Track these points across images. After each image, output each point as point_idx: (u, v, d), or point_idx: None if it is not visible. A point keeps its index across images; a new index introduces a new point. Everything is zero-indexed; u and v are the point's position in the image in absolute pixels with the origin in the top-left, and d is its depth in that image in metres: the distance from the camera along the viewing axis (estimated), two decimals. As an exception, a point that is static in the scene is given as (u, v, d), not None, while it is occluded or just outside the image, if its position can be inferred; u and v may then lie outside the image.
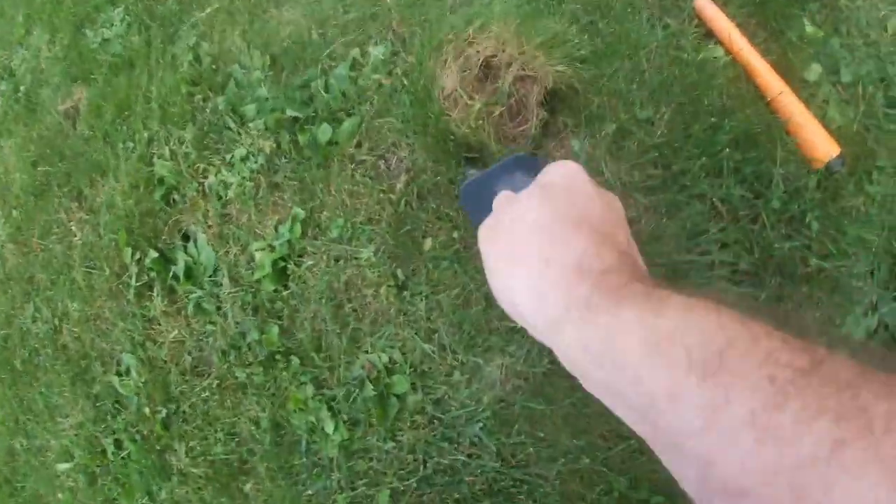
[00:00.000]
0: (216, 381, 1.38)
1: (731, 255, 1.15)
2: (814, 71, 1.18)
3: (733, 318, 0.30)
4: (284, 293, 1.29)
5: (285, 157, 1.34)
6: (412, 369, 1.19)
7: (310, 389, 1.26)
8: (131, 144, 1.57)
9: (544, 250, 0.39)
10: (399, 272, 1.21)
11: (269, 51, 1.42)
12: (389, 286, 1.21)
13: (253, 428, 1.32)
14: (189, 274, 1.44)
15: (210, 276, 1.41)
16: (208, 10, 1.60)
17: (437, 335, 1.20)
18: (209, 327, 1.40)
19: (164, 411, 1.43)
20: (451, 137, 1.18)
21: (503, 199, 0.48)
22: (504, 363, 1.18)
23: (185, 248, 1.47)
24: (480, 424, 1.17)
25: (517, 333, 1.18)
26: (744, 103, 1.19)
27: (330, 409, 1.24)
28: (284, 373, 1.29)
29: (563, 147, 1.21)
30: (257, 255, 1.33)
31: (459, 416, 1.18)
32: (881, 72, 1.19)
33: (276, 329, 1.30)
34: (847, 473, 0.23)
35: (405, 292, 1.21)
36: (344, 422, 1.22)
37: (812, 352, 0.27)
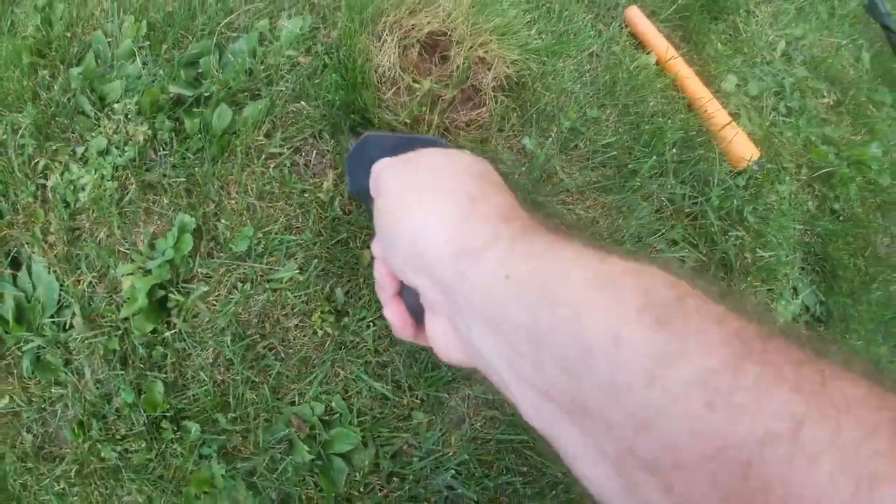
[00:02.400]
0: (74, 467, 0.63)
1: (679, 251, 0.80)
2: (730, 81, 0.87)
3: (685, 280, 0.17)
4: (167, 334, 0.60)
5: (164, 149, 0.64)
6: (361, 418, 0.61)
7: (217, 464, 0.61)
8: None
9: (471, 190, 0.24)
10: (338, 292, 0.60)
11: (145, 17, 0.70)
12: (325, 312, 0.59)
13: (131, 525, 0.65)
14: (20, 316, 0.70)
15: (52, 317, 0.70)
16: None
17: (388, 370, 0.66)
18: (56, 391, 0.69)
19: (-4, 510, 0.68)
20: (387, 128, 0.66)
21: (412, 151, 0.28)
22: (471, 394, 0.68)
23: (15, 278, 0.71)
24: (452, 472, 0.62)
25: (485, 357, 0.70)
26: (676, 109, 0.85)
27: (250, 486, 0.58)
28: (176, 445, 0.63)
29: (513, 145, 0.76)
30: (124, 283, 0.64)
31: (424, 466, 0.65)
32: (778, 85, 0.93)
33: (159, 385, 0.64)
34: (805, 457, 0.13)
35: (345, 318, 0.60)
36: (272, 502, 0.59)
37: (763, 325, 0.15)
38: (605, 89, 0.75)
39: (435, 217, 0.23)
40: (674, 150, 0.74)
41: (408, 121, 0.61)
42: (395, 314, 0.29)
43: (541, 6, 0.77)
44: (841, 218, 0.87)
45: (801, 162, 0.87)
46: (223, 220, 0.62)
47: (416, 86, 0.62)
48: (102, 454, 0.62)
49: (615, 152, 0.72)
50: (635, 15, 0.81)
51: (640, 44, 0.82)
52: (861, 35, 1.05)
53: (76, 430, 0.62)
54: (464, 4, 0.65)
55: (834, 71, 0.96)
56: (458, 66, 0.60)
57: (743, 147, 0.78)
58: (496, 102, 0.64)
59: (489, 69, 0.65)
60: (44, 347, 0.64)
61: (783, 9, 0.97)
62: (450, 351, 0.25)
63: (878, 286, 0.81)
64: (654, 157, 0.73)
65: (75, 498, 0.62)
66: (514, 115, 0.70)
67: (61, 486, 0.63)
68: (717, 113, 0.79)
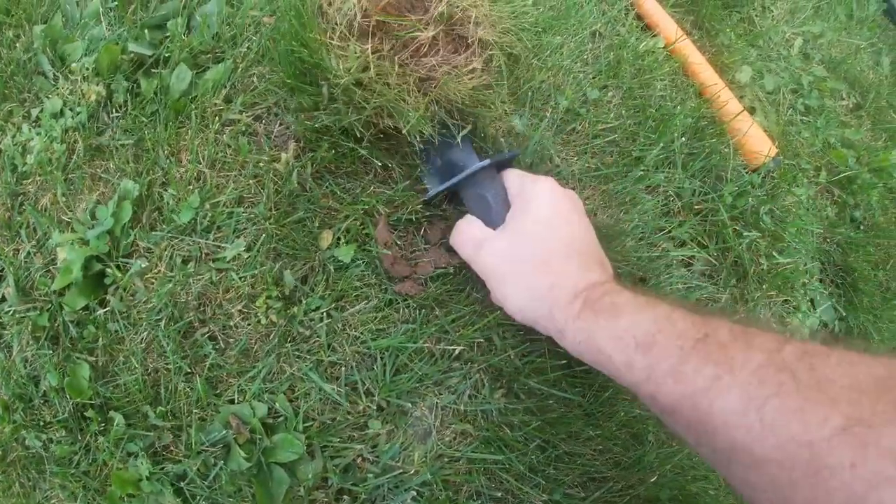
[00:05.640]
0: None
1: (688, 252, 0.65)
2: (745, 73, 0.71)
3: (663, 313, 0.30)
4: (100, 313, 0.47)
5: (117, 111, 0.52)
6: (307, 423, 0.46)
7: (144, 464, 0.45)
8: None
9: (548, 278, 0.36)
10: (287, 275, 0.46)
11: None
12: (271, 298, 0.46)
13: (47, 527, 0.51)
14: (-41, 284, 0.59)
15: None
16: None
17: (342, 370, 0.53)
18: None
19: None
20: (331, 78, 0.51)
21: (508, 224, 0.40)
22: (439, 403, 0.53)
23: None
24: (413, 493, 0.45)
25: (456, 361, 0.55)
26: (686, 96, 0.70)
27: (178, 492, 0.44)
28: (101, 438, 0.47)
29: (503, 124, 0.62)
30: (59, 253, 0.50)
31: (380, 485, 0.45)
32: (795, 83, 0.76)
33: (85, 369, 0.48)
34: (721, 395, 0.24)
35: (294, 308, 0.46)
36: None
37: (705, 326, 0.28)
38: (608, 70, 0.61)
39: (529, 307, 0.38)
40: (683, 139, 0.59)
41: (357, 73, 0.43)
42: None
43: (540, -19, 0.63)
44: (862, 227, 0.70)
45: (819, 164, 0.71)
46: (170, 190, 0.49)
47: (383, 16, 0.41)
48: (26, 441, 0.49)
49: (617, 137, 0.57)
50: (644, -4, 0.67)
51: (646, 26, 0.68)
52: (881, 40, 0.88)
53: (1, 414, 0.50)
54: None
55: (853, 73, 0.80)
56: (439, 12, 0.45)
57: (758, 141, 0.63)
58: (484, 50, 0.48)
59: (478, 26, 0.50)
60: (-24, 321, 0.51)
61: (800, 6, 0.81)
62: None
63: (911, 302, 0.64)
64: (661, 146, 0.58)
65: (-5, 489, 0.50)
66: (505, 91, 0.56)
67: (-19, 475, 0.50)
68: (729, 102, 0.63)
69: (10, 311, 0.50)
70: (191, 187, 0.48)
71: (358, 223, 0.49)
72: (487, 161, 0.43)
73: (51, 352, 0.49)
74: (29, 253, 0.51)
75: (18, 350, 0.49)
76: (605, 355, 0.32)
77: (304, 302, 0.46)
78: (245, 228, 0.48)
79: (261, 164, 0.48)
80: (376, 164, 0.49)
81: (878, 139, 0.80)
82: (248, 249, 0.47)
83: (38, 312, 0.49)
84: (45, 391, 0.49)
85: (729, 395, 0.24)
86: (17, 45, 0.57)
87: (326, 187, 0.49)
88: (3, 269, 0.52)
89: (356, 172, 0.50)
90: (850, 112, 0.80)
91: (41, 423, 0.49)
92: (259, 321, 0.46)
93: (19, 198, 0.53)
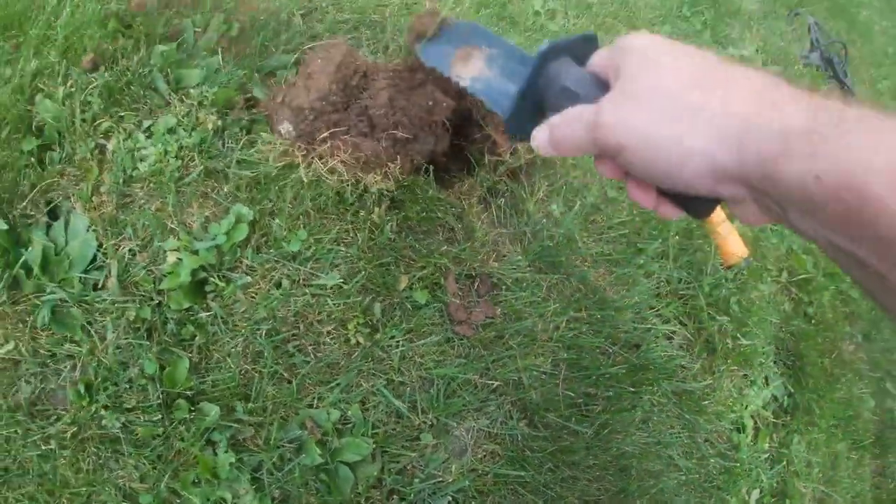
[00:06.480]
0: (71, 429, 0.56)
1: (670, 327, 0.83)
2: (732, 185, 0.95)
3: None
4: (202, 315, 0.56)
5: (232, 143, 0.62)
6: (374, 431, 0.58)
7: (227, 452, 0.55)
8: (8, 71, 0.64)
9: (745, 88, 0.24)
10: (376, 307, 0.59)
11: (235, 17, 0.68)
12: (360, 324, 0.58)
13: (121, 504, 0.55)
14: (46, 266, 0.64)
15: (83, 274, 0.64)
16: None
17: (407, 389, 0.65)
18: (68, 347, 0.63)
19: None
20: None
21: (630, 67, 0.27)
22: (476, 426, 0.66)
23: (49, 228, 0.66)
24: (448, 499, 0.59)
25: (493, 393, 0.69)
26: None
27: (254, 480, 0.54)
28: (184, 427, 0.56)
29: (542, 209, 0.78)
30: (170, 257, 0.58)
31: (423, 489, 0.59)
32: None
33: (185, 362, 0.55)
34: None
35: (378, 334, 0.59)
36: (273, 500, 0.55)
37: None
38: (633, 171, 0.79)
39: (704, 140, 0.24)
40: (676, 237, 0.78)
41: None
42: (670, 211, 0.30)
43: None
44: (813, 321, 0.93)
45: (782, 266, 0.93)
46: (277, 220, 0.60)
47: None
48: (104, 422, 0.57)
49: (627, 231, 0.75)
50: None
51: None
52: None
53: (81, 392, 0.57)
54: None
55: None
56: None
57: (734, 244, 0.84)
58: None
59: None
60: (66, 301, 0.58)
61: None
62: (751, 219, 0.27)
63: (841, 387, 0.86)
64: (660, 241, 0.77)
65: (63, 461, 0.57)
66: (545, 183, 0.73)
67: (51, 446, 0.57)
68: (717, 212, 0.84)
69: (107, 299, 0.58)
70: (297, 222, 0.60)
71: (431, 273, 0.62)
72: (546, 45, 0.32)
73: (147, 343, 0.57)
74: (132, 250, 0.60)
75: (113, 337, 0.57)
76: (872, 200, 0.18)
77: (384, 331, 0.59)
78: (339, 264, 0.59)
79: (360, 214, 0.61)
80: (446, 225, 0.63)
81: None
82: (346, 282, 0.58)
83: (139, 306, 0.58)
84: (131, 377, 0.57)
85: None
86: (135, 57, 0.65)
87: (407, 240, 0.62)
88: (104, 260, 0.59)
89: (430, 231, 0.64)
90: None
91: (125, 406, 0.57)
92: (348, 341, 0.58)
93: (126, 198, 0.61)
